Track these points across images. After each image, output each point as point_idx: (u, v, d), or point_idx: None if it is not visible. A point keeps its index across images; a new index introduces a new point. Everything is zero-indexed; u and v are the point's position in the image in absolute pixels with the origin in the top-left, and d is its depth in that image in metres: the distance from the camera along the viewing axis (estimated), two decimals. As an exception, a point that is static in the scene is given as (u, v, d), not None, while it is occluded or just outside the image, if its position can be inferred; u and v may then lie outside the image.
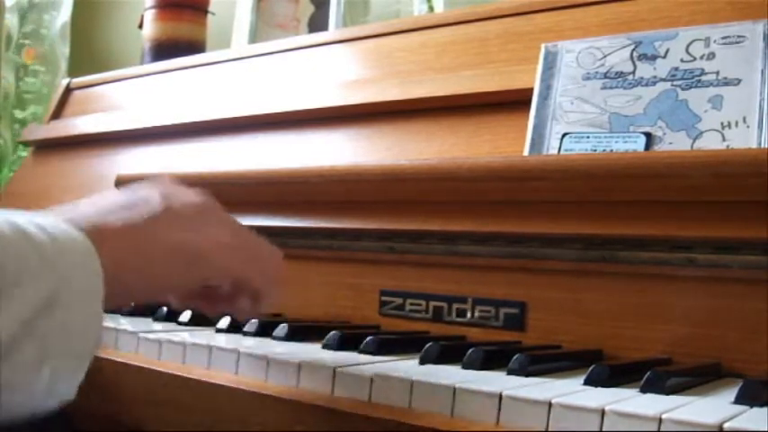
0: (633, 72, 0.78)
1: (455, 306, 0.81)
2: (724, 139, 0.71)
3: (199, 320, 0.81)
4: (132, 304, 0.86)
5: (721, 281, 0.67)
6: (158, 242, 0.55)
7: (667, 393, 0.53)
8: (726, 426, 0.44)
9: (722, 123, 0.72)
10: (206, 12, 1.57)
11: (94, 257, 0.49)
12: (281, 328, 0.75)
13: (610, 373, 0.57)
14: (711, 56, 0.74)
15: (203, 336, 0.73)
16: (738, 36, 0.74)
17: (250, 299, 0.62)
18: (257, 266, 0.61)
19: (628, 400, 0.50)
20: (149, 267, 0.54)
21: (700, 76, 0.74)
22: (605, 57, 0.80)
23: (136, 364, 0.71)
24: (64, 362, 0.47)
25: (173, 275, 0.56)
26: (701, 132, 0.73)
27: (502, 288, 0.78)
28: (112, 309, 0.52)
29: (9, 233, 0.45)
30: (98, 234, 0.50)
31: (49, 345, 0.45)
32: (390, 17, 1.61)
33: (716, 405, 0.51)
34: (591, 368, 0.58)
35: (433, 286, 0.83)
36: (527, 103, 0.83)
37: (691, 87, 0.74)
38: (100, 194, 0.56)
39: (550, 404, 0.50)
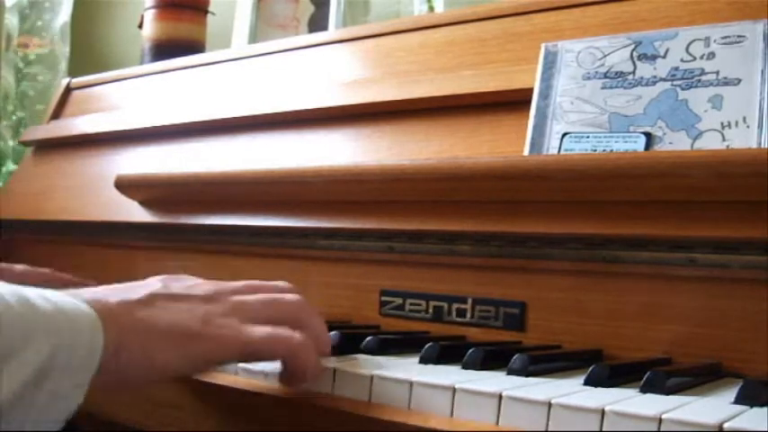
0: (633, 72, 0.78)
1: (455, 306, 0.81)
2: (724, 139, 0.71)
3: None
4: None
5: (721, 281, 0.67)
6: (155, 321, 0.53)
7: (667, 393, 0.53)
8: (726, 426, 0.44)
9: (722, 123, 0.72)
10: (206, 12, 1.57)
11: (98, 326, 0.49)
12: (281, 328, 0.74)
13: (610, 373, 0.57)
14: (711, 56, 0.74)
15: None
16: (738, 36, 0.73)
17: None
18: (267, 342, 0.58)
19: (628, 400, 0.50)
20: (149, 347, 0.52)
21: (700, 75, 0.74)
22: (605, 57, 0.80)
23: (136, 364, 0.71)
24: (43, 426, 0.47)
25: (171, 356, 0.53)
26: (701, 132, 0.73)
27: (502, 288, 0.78)
28: (107, 389, 0.51)
29: (14, 303, 0.46)
30: (99, 309, 0.50)
31: (35, 412, 0.46)
32: (390, 17, 1.60)
33: (716, 405, 0.51)
34: (591, 368, 0.57)
35: (432, 286, 0.83)
36: (527, 103, 0.83)
37: (691, 87, 0.74)
38: (98, 287, 0.56)
39: (550, 404, 0.50)
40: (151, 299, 0.55)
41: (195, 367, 0.58)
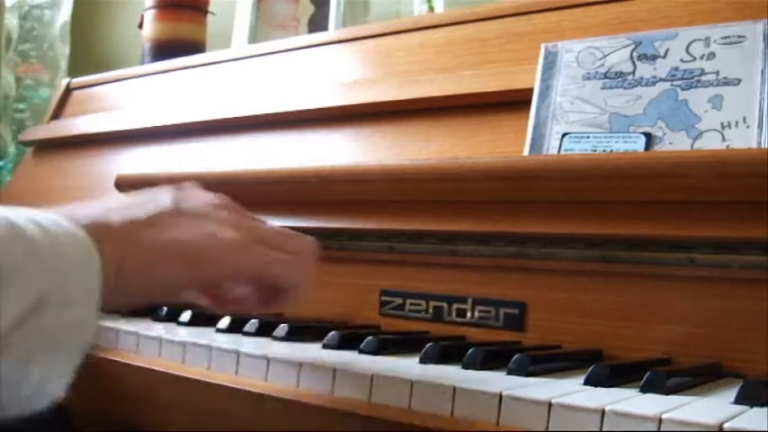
0: (633, 72, 0.78)
1: (455, 306, 0.81)
2: (724, 139, 0.71)
3: (199, 320, 0.81)
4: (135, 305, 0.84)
5: (721, 281, 0.67)
6: (160, 242, 0.52)
7: (667, 393, 0.53)
8: (726, 426, 0.44)
9: (722, 123, 0.72)
10: (206, 12, 1.57)
11: (94, 255, 0.47)
12: (281, 328, 0.75)
13: (610, 373, 0.57)
14: (711, 56, 0.74)
15: (203, 336, 0.73)
16: (738, 36, 0.74)
17: (272, 297, 0.60)
18: (276, 263, 0.57)
19: (628, 400, 0.50)
20: (150, 268, 0.51)
21: (700, 76, 0.74)
22: (605, 57, 0.80)
23: (136, 364, 0.71)
24: (53, 360, 0.45)
25: (175, 277, 0.52)
26: (701, 132, 0.73)
27: (502, 288, 0.78)
28: (113, 309, 0.51)
29: (1, 231, 0.43)
30: (98, 231, 0.48)
31: (39, 343, 0.44)
32: (390, 17, 1.61)
33: (716, 405, 0.51)
34: (591, 368, 0.58)
35: (433, 286, 0.83)
36: (527, 103, 0.83)
37: (691, 87, 0.74)
38: (107, 196, 0.54)
39: (550, 404, 0.50)
40: (158, 216, 0.53)
41: (200, 286, 0.57)
